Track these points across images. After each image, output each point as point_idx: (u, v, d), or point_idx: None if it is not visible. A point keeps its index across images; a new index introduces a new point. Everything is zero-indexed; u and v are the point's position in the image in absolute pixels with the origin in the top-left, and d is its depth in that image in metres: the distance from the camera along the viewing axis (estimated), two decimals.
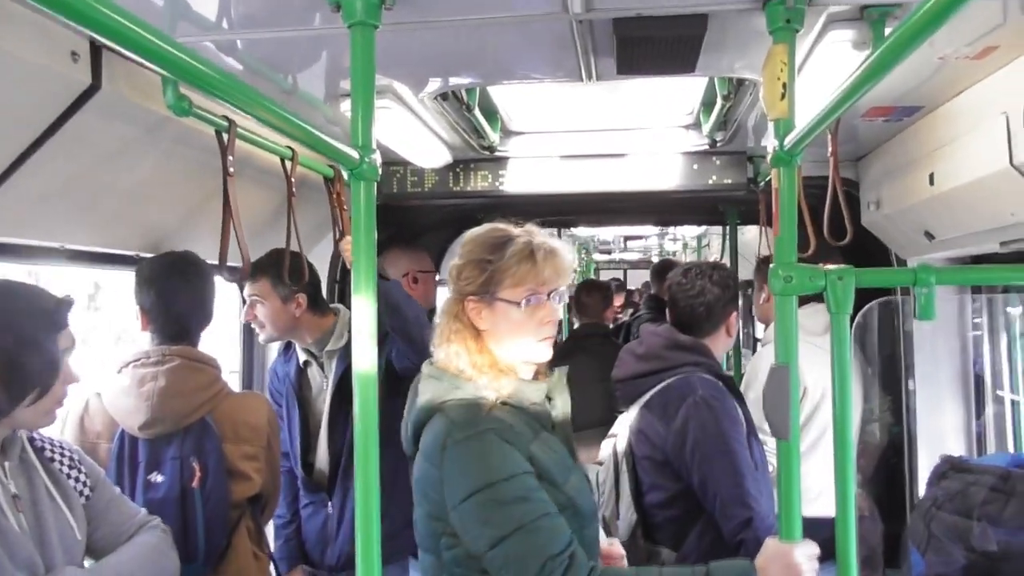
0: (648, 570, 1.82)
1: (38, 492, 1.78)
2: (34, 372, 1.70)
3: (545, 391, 1.85)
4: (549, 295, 1.82)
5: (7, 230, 1.98)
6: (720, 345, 2.64)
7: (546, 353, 1.84)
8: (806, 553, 1.65)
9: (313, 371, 2.92)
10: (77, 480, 1.90)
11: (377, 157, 1.57)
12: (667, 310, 2.70)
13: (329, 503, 2.86)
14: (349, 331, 2.75)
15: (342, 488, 2.83)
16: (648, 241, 9.95)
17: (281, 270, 2.44)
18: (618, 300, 8.85)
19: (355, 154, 1.51)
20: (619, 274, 12.57)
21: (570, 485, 1.76)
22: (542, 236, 1.85)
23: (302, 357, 2.92)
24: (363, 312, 1.54)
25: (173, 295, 2.30)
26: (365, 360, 1.54)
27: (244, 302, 2.83)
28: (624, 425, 2.59)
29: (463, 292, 1.82)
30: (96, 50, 1.80)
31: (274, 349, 3.30)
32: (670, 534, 2.44)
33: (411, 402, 1.85)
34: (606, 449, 2.64)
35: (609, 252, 11.41)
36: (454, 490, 1.65)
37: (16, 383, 1.67)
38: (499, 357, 1.80)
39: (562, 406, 1.89)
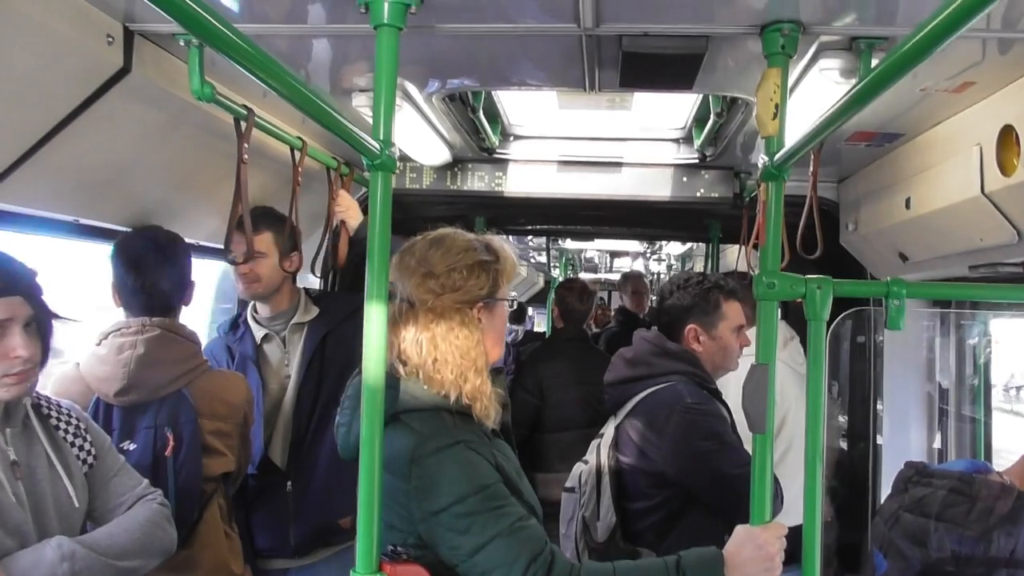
0: (624, 563, 1.83)
1: (38, 459, 1.80)
2: None
3: (502, 397, 1.84)
4: None
5: (26, 201, 2.04)
6: (708, 358, 2.58)
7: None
8: (775, 534, 1.73)
9: (272, 346, 2.80)
10: (81, 448, 1.91)
11: (396, 151, 1.67)
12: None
13: (288, 482, 2.71)
14: (316, 305, 2.80)
15: (306, 464, 2.71)
16: (634, 260, 10.01)
17: (283, 226, 2.55)
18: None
19: (376, 146, 1.61)
20: (603, 294, 12.47)
21: (525, 489, 1.80)
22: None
23: (258, 333, 2.80)
24: (376, 300, 1.61)
25: (151, 271, 2.30)
26: (375, 352, 1.60)
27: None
28: (611, 428, 2.61)
29: (474, 297, 1.79)
30: (129, 34, 1.88)
31: None
32: (651, 537, 2.46)
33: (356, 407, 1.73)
34: (591, 448, 2.65)
35: (595, 271, 11.43)
36: (428, 503, 1.63)
37: None
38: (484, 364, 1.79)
39: (503, 411, 1.88)
